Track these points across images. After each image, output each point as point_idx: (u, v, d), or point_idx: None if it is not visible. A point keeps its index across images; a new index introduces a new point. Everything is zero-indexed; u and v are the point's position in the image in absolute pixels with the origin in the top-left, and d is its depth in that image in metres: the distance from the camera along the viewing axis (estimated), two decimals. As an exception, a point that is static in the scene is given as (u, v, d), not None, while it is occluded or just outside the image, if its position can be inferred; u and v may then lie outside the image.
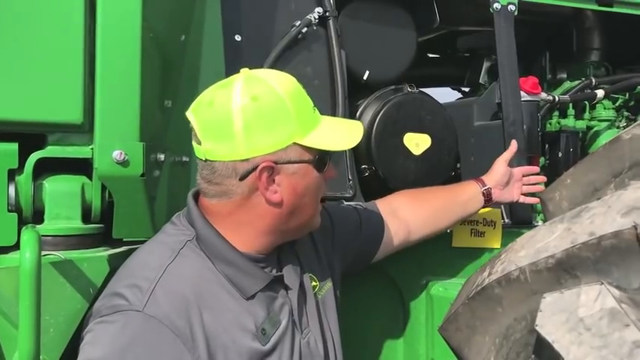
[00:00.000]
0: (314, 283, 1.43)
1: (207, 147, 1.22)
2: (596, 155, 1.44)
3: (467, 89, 3.02)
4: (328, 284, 1.48)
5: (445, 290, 1.92)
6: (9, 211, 1.36)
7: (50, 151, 1.40)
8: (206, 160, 1.24)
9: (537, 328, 1.04)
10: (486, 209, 2.07)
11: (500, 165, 1.93)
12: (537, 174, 2.05)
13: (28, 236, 1.15)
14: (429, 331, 1.93)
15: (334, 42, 2.02)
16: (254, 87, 1.23)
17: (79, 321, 1.30)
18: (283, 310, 1.30)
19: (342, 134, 1.32)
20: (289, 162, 1.24)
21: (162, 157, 1.53)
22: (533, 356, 1.14)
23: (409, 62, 2.22)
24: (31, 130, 1.38)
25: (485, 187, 1.88)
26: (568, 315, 1.02)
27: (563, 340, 0.99)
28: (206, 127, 1.23)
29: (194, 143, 1.27)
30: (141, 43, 1.42)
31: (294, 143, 1.23)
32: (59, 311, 1.27)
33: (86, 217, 1.44)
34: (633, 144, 1.36)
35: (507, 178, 1.93)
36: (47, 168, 1.41)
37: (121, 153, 1.38)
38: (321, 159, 1.29)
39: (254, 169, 1.21)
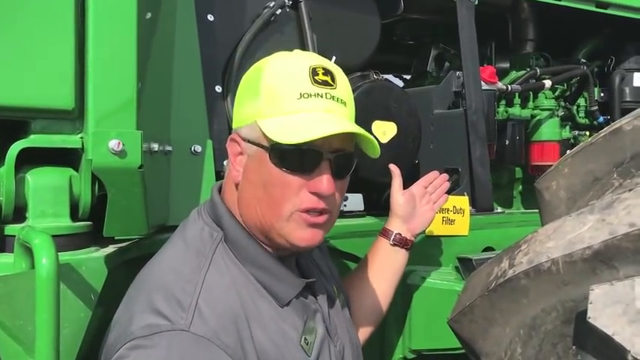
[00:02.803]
0: (335, 290, 1.37)
1: None
2: (595, 145, 1.47)
3: (408, 77, 3.05)
4: (342, 295, 1.42)
5: (422, 279, 1.91)
6: (-12, 209, 1.18)
7: (34, 140, 1.23)
8: None
9: (590, 320, 1.05)
10: (455, 197, 2.10)
11: (397, 196, 1.69)
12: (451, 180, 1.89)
13: (41, 240, 1.00)
14: (406, 320, 1.92)
15: (306, 25, 1.95)
16: (265, 59, 1.20)
17: (84, 332, 1.16)
18: (317, 317, 1.22)
19: (307, 129, 1.09)
20: (249, 141, 1.16)
21: (155, 146, 1.39)
22: (574, 347, 1.15)
23: (374, 48, 2.19)
24: (12, 116, 1.21)
25: (394, 236, 1.64)
26: (624, 307, 1.03)
27: (624, 332, 1.00)
28: None
29: None
30: (137, 18, 1.28)
31: (257, 123, 1.14)
32: (63, 322, 1.10)
33: (74, 214, 1.28)
34: (634, 135, 1.40)
35: (412, 203, 1.70)
36: (29, 160, 1.24)
37: (119, 142, 1.24)
38: (278, 151, 1.11)
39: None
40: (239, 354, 1.03)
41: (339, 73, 1.18)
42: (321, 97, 1.12)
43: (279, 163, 1.12)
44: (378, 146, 1.18)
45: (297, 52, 1.22)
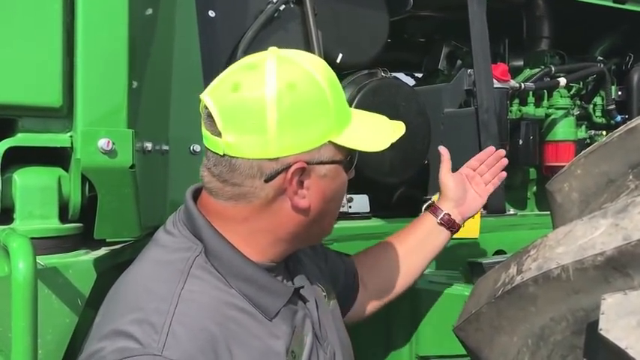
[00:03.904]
0: (323, 293, 1.31)
1: (230, 140, 1.01)
2: (610, 145, 1.40)
3: (419, 75, 2.99)
4: (333, 295, 1.35)
5: (430, 283, 1.85)
6: (-27, 210, 1.15)
7: (22, 139, 1.19)
8: (224, 156, 1.03)
9: (602, 332, 0.98)
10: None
11: (447, 179, 1.64)
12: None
13: (19, 243, 0.96)
14: (413, 326, 1.86)
15: (311, 21, 1.90)
16: (289, 71, 1.03)
17: (68, 339, 1.11)
18: (305, 324, 1.15)
19: (375, 132, 1.15)
20: (321, 162, 1.06)
21: (149, 145, 1.35)
22: (584, 360, 1.09)
23: (382, 46, 2.13)
24: (-2, 114, 1.17)
25: (442, 216, 1.60)
26: (639, 319, 0.97)
27: (638, 346, 0.93)
28: (230, 116, 1.02)
29: (208, 133, 1.05)
30: (129, 13, 1.24)
31: (329, 141, 1.07)
32: (47, 328, 1.07)
33: (63, 215, 1.24)
34: (651, 134, 1.33)
35: (463, 185, 1.65)
36: (16, 159, 1.20)
37: (109, 142, 1.19)
38: (351, 159, 1.13)
39: (284, 169, 1.03)
40: None
41: None
42: None
43: (349, 169, 1.14)
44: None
45: (296, 53, 1.12)
